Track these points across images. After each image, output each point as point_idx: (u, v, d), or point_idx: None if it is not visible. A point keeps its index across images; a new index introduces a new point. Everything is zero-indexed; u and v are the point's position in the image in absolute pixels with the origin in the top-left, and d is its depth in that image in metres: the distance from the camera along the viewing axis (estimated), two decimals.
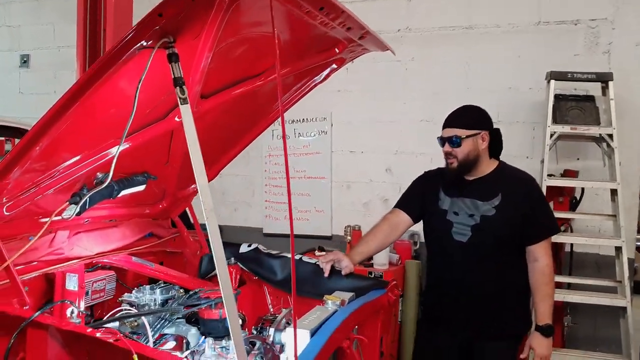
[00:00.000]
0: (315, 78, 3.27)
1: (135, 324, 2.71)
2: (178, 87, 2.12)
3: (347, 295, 2.91)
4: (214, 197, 7.20)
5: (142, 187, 3.11)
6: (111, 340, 1.93)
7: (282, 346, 2.55)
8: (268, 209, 6.44)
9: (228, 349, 2.50)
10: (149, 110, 2.63)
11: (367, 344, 3.08)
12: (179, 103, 2.12)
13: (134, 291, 2.94)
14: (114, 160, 2.37)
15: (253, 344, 2.65)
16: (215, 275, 3.68)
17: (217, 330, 2.75)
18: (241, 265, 3.57)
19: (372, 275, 5.13)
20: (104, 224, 3.32)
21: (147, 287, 2.96)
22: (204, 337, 2.72)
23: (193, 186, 3.66)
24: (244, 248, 3.69)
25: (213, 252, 2.03)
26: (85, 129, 2.41)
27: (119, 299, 2.92)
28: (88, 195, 2.64)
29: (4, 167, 2.17)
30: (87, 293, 2.90)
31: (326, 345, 2.33)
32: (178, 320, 2.84)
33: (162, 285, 3.04)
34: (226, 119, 3.21)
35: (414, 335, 5.02)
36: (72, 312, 2.55)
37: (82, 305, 2.68)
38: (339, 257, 3.37)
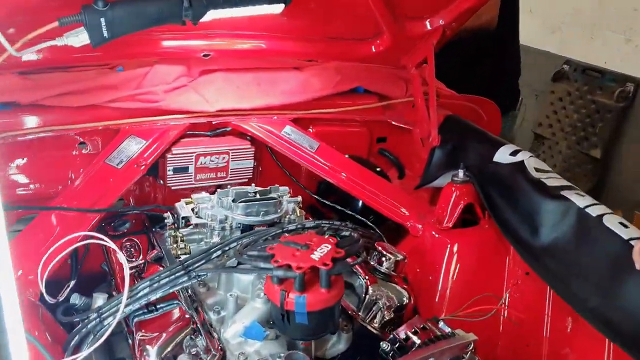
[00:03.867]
0: None
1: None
2: None
3: None
4: None
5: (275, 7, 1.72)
6: None
7: None
8: None
9: None
10: None
11: None
12: None
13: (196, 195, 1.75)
14: None
15: None
16: (439, 189, 2.11)
17: (280, 325, 1.42)
18: (478, 188, 1.86)
19: None
20: (272, 64, 2.12)
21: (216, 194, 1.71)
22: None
23: (440, 20, 1.99)
24: (502, 155, 1.91)
25: None
26: None
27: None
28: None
29: None
30: (185, 169, 1.91)
31: None
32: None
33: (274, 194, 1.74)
34: None
35: None
36: None
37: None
38: None
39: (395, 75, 2.26)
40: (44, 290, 1.48)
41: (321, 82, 2.16)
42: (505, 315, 1.79)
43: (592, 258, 1.57)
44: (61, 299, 1.61)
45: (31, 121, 1.79)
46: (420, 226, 1.91)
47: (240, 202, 1.65)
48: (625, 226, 1.55)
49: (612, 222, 1.57)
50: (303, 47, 2.07)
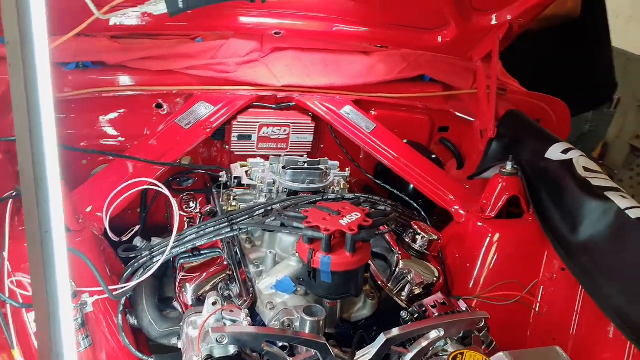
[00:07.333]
0: None
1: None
2: None
3: None
4: None
5: None
6: None
7: None
8: None
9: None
10: None
11: None
12: None
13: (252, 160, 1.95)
14: None
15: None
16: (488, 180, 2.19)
17: (307, 282, 1.60)
18: (524, 181, 1.95)
19: None
20: (340, 47, 2.29)
21: (272, 161, 1.90)
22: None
23: (507, 15, 2.09)
24: (554, 151, 1.99)
25: None
26: None
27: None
28: None
29: None
30: (248, 137, 2.14)
31: None
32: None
33: (321, 166, 1.91)
34: None
35: None
36: None
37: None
38: None
39: (463, 66, 2.36)
40: (107, 227, 1.73)
41: (386, 67, 2.30)
42: (538, 307, 1.87)
43: (624, 258, 1.62)
44: (125, 239, 1.88)
45: (116, 80, 2.06)
46: (463, 213, 2.02)
47: (289, 169, 1.85)
48: None
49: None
50: (371, 32, 2.22)
